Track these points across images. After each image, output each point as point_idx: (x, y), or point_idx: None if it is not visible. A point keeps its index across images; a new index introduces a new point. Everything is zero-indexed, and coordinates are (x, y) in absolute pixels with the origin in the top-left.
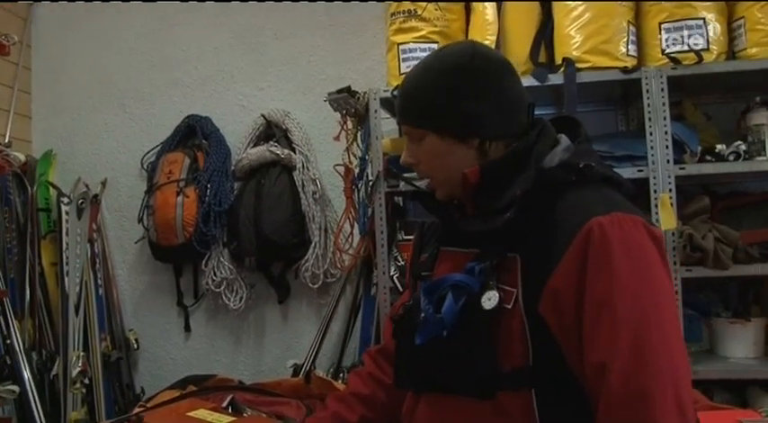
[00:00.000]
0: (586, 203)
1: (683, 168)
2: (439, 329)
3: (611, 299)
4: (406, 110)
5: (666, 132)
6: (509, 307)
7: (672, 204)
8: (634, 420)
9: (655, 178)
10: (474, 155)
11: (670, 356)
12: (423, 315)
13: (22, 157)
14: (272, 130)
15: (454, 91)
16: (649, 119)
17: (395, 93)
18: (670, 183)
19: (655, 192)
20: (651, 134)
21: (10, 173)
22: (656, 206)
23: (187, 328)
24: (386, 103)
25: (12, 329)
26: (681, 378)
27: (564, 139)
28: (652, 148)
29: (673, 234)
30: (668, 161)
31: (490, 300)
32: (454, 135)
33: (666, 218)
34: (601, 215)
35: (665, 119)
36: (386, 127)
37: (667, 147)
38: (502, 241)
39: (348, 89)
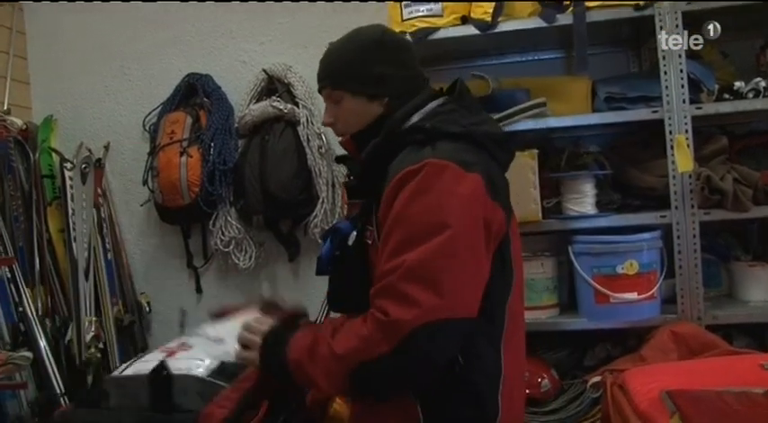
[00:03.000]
0: (410, 157)
1: (700, 108)
2: (321, 265)
3: (399, 221)
4: (327, 75)
5: (681, 71)
6: (370, 242)
7: (688, 146)
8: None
9: (670, 119)
10: (381, 112)
11: (418, 267)
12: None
13: (19, 122)
14: (274, 85)
15: (368, 58)
16: (663, 57)
17: None
18: (686, 123)
19: (670, 133)
20: (665, 73)
21: (11, 140)
22: (672, 148)
23: (198, 290)
24: None
25: (24, 297)
26: (413, 280)
27: (432, 105)
28: (667, 88)
29: (690, 176)
30: (684, 101)
31: (352, 238)
32: (366, 94)
33: (683, 160)
34: (413, 164)
35: (679, 56)
36: None
37: (683, 86)
38: (370, 193)
39: None
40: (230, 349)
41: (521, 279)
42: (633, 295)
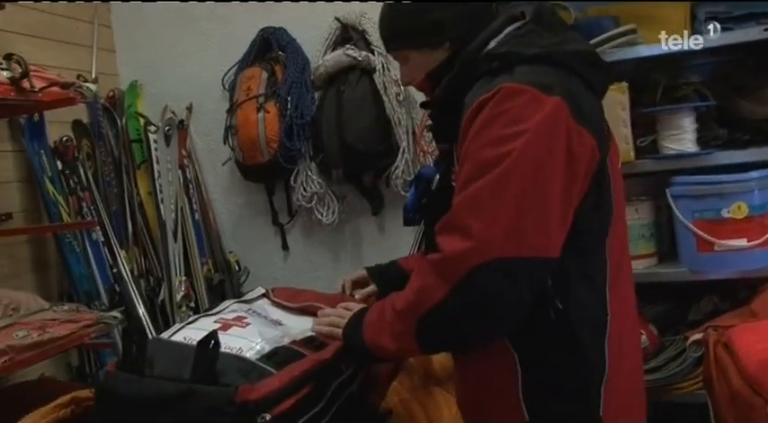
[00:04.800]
0: (485, 86)
1: None
2: (406, 213)
3: (468, 154)
4: (388, 40)
5: None
6: (455, 184)
7: None
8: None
9: None
10: (448, 54)
11: (477, 198)
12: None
13: (93, 88)
14: (348, 34)
15: (417, 9)
16: None
17: None
18: None
19: None
20: None
21: (100, 107)
22: None
23: (285, 247)
24: None
25: (118, 258)
26: (470, 211)
27: (508, 29)
28: None
29: None
30: None
31: (435, 181)
32: (428, 45)
33: None
34: (486, 92)
35: None
36: None
37: None
38: (451, 132)
39: None
40: (286, 333)
41: (622, 217)
42: (742, 242)
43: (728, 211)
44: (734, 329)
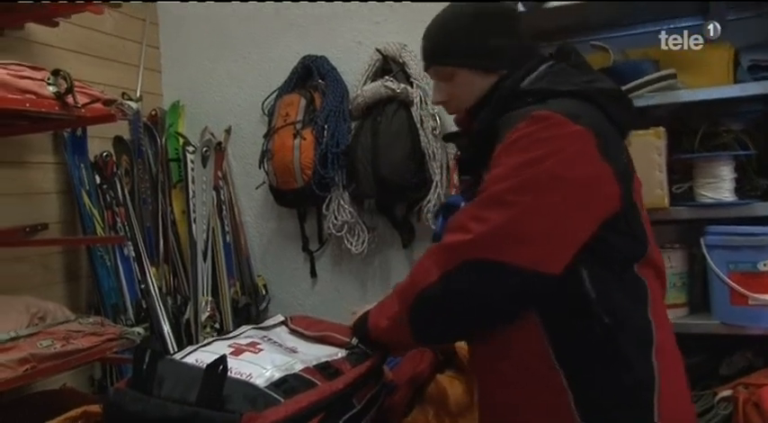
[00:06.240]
0: (519, 116)
1: None
2: (435, 241)
3: (494, 166)
4: (437, 52)
5: None
6: None
7: None
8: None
9: None
10: (495, 81)
11: (487, 199)
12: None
13: (134, 106)
14: (388, 65)
15: (480, 29)
16: None
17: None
18: None
19: None
20: None
21: (141, 126)
22: None
23: (313, 274)
24: None
25: (147, 275)
26: (475, 213)
27: (542, 67)
28: None
29: None
30: None
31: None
32: (484, 68)
33: None
34: (522, 122)
35: None
36: None
37: None
38: (481, 163)
39: None
40: (300, 360)
41: (653, 251)
42: None
43: (765, 265)
44: (765, 388)
